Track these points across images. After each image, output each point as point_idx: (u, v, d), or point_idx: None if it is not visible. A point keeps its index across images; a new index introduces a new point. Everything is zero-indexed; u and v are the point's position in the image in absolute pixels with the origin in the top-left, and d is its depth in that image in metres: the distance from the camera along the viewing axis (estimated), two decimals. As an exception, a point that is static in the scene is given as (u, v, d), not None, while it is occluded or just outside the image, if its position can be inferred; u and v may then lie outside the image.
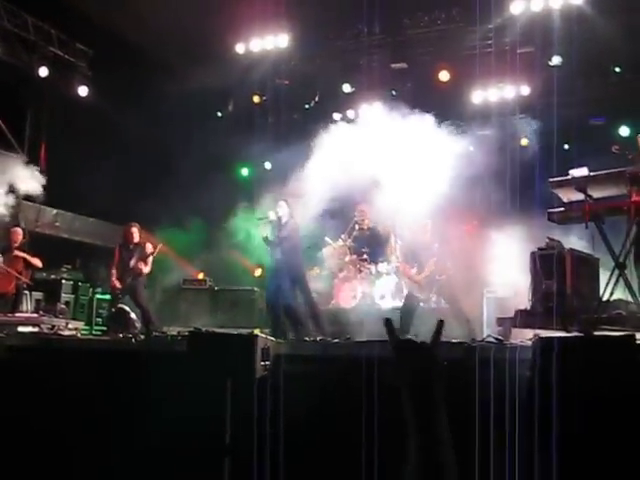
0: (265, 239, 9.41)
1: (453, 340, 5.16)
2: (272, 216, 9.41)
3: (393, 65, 13.98)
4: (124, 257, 9.93)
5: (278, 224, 9.37)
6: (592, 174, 6.27)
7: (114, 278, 9.83)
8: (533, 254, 6.53)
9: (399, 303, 9.98)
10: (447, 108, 12.23)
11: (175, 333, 5.94)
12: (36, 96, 13.24)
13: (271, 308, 9.41)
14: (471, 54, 12.32)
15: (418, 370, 1.67)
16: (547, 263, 6.36)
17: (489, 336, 4.98)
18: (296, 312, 9.12)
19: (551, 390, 3.60)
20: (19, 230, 10.29)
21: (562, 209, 6.51)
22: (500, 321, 6.93)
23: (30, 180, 10.62)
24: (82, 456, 5.49)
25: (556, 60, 12.52)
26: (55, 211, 13.15)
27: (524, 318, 6.42)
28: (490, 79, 12.86)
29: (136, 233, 10.03)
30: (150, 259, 9.90)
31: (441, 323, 1.77)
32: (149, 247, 9.89)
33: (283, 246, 9.29)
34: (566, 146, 12.10)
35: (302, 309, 9.27)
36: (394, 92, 13.48)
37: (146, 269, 9.88)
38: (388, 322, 1.74)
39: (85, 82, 13.66)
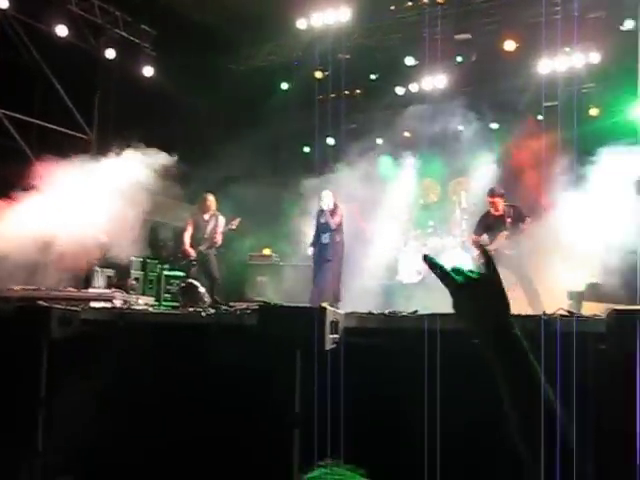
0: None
1: (524, 314, 5.07)
2: (324, 206, 9.74)
3: (457, 36, 13.64)
4: (199, 227, 10.14)
5: (324, 213, 9.92)
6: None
7: (187, 246, 10.05)
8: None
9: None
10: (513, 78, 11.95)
11: (244, 307, 6.02)
12: (104, 78, 13.51)
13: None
14: (537, 22, 11.78)
15: (482, 303, 1.36)
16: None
17: (560, 309, 4.86)
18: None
19: (631, 363, 3.52)
20: None
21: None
22: (571, 294, 6.79)
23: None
24: (172, 428, 5.62)
25: (629, 24, 11.87)
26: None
27: (595, 291, 6.29)
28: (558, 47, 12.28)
29: (212, 203, 10.26)
30: (222, 231, 10.09)
31: (482, 248, 1.56)
32: (222, 220, 10.09)
33: (329, 232, 9.61)
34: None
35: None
36: (459, 58, 13.09)
37: (220, 240, 10.07)
38: (427, 258, 1.41)
39: (150, 62, 13.85)
